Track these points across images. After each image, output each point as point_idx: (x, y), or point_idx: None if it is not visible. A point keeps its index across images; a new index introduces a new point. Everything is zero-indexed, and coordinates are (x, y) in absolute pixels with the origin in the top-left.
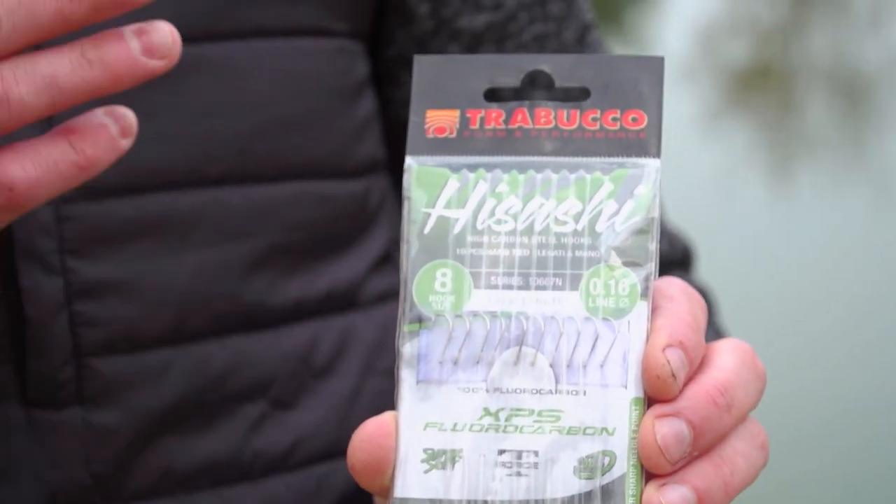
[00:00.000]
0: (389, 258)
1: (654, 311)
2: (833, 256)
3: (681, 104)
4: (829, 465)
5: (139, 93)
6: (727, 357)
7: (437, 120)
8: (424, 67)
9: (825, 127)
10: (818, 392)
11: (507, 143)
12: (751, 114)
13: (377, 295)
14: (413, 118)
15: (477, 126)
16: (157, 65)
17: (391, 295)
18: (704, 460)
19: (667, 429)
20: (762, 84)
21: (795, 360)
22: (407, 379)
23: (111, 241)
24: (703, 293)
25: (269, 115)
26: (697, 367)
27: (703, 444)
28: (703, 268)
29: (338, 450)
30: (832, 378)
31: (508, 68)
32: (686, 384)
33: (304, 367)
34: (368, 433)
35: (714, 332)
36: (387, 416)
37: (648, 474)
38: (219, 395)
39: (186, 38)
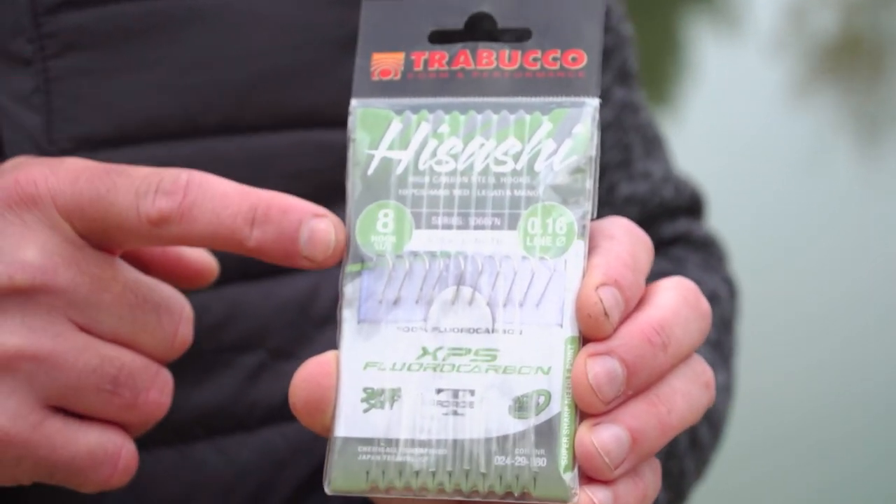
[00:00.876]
0: None
1: (592, 249)
2: None
3: (771, 75)
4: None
5: (133, 45)
6: (667, 295)
7: (383, 62)
8: (371, 11)
9: None
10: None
11: (449, 85)
12: (840, 85)
13: None
14: (359, 61)
15: (421, 68)
16: (307, 264)
17: None
18: (640, 399)
19: (599, 367)
20: (851, 55)
21: (877, 328)
22: (348, 319)
23: None
24: (711, 243)
25: (267, 66)
26: (636, 306)
27: (637, 384)
28: (791, 239)
29: None
30: None
31: (452, 10)
32: (621, 323)
33: (302, 316)
34: (309, 372)
35: (721, 278)
36: (328, 355)
37: (583, 413)
38: (215, 346)
39: None
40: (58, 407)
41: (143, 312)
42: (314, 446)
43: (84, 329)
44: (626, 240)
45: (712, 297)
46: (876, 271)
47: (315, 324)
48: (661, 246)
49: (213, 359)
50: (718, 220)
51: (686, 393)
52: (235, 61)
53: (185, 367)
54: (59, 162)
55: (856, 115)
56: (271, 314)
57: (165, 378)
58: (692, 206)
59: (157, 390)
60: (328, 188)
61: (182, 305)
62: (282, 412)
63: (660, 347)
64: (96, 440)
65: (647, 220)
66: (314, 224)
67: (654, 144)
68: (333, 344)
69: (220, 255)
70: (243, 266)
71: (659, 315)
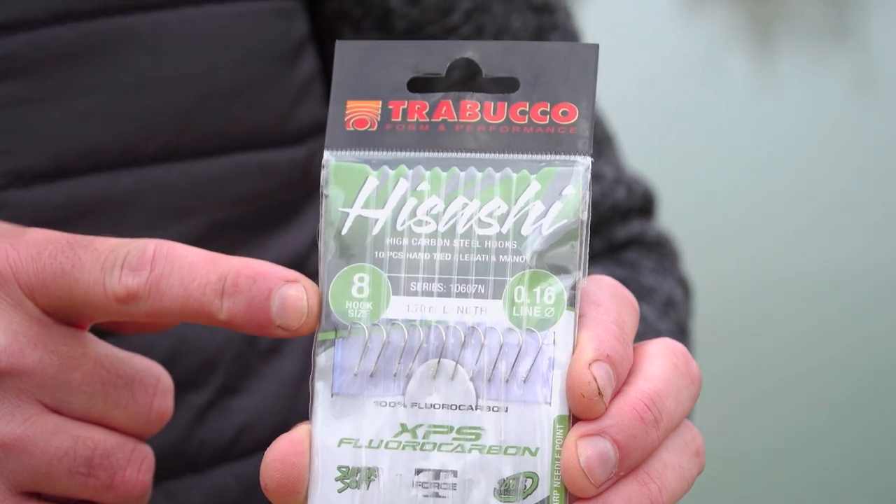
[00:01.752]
0: None
1: (580, 319)
2: (815, 135)
3: None
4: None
5: (67, 71)
6: (657, 364)
7: (358, 111)
8: (346, 54)
9: (807, 5)
10: (797, 267)
11: (430, 138)
12: None
13: None
14: (332, 109)
15: (399, 118)
16: (282, 333)
17: None
18: (630, 479)
19: (591, 450)
20: None
21: (780, 241)
22: (321, 392)
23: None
24: (664, 243)
25: (207, 87)
26: (625, 377)
27: (629, 464)
28: (689, 151)
29: None
30: (813, 258)
31: (433, 55)
32: (612, 398)
33: (248, 347)
34: (281, 452)
35: (676, 280)
36: (300, 431)
37: (571, 496)
38: None
39: (114, 10)
40: (32, 492)
41: (116, 388)
42: None
43: (54, 410)
44: (613, 306)
45: (668, 303)
46: (770, 166)
47: (261, 355)
48: (615, 250)
49: None
50: (618, 126)
51: (676, 466)
52: (175, 83)
53: None
54: (20, 234)
55: (749, 22)
56: (218, 348)
57: (143, 454)
58: (644, 205)
59: (134, 468)
60: (273, 211)
61: (157, 377)
62: (231, 451)
63: (652, 424)
64: None
65: (599, 223)
66: (285, 291)
67: (604, 144)
68: (280, 376)
69: None
70: None
71: (650, 388)
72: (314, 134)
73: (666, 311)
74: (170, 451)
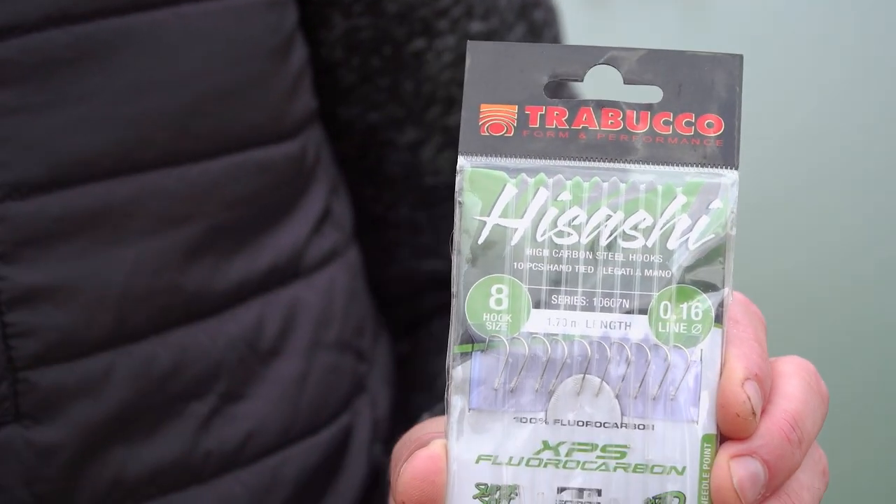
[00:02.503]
0: (329, 215)
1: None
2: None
3: None
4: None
5: (63, 76)
6: (794, 384)
7: (493, 116)
8: (478, 56)
9: None
10: None
11: (570, 146)
12: None
13: (319, 258)
14: (465, 113)
15: (537, 125)
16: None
17: (332, 256)
18: (774, 500)
19: (743, 471)
20: None
21: None
22: (458, 406)
23: (42, 242)
24: None
25: (205, 87)
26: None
27: (776, 485)
28: None
29: (290, 437)
30: None
31: (572, 60)
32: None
33: (250, 351)
34: (420, 470)
35: None
36: (437, 447)
37: None
38: (165, 396)
39: (110, 10)
40: None
41: None
42: (273, 488)
43: None
44: (749, 323)
45: None
46: None
47: (262, 359)
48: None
49: (162, 410)
50: None
51: (810, 486)
52: (173, 86)
53: (132, 424)
54: None
55: None
56: (221, 354)
57: None
58: None
59: None
60: (268, 210)
61: None
62: (237, 458)
63: (796, 444)
64: None
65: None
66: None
67: None
68: (283, 379)
69: (162, 298)
70: (187, 307)
71: (793, 408)
72: (307, 125)
73: None
74: (175, 463)
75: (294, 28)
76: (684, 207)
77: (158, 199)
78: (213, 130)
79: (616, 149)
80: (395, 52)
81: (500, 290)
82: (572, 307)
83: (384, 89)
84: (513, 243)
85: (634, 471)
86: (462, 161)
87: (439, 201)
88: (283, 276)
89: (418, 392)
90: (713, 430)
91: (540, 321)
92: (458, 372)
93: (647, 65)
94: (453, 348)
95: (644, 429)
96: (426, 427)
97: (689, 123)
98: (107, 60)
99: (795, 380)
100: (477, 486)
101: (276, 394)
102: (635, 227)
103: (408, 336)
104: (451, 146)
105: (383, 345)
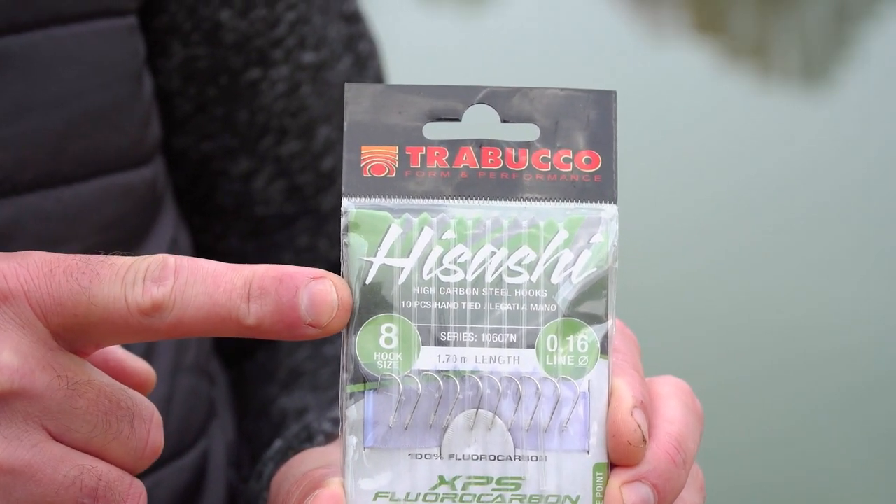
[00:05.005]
0: (176, 242)
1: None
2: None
3: None
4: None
5: None
6: (674, 405)
7: (374, 157)
8: (356, 96)
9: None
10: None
11: (452, 185)
12: None
13: None
14: (347, 154)
15: (418, 165)
16: (313, 332)
17: None
18: None
19: (634, 496)
20: None
21: None
22: (353, 445)
23: None
24: None
25: (79, 110)
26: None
27: None
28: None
29: (161, 460)
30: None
31: (449, 100)
32: None
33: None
34: None
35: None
36: (335, 486)
37: None
38: None
39: None
40: None
41: (117, 420)
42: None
43: (57, 438)
44: (628, 350)
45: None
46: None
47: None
48: None
49: None
50: None
51: (692, 502)
52: (49, 107)
53: None
54: (24, 256)
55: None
56: None
57: (139, 489)
58: None
59: (132, 502)
60: (130, 234)
61: (152, 411)
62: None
63: (681, 465)
64: None
65: None
66: (312, 286)
67: None
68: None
69: None
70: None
71: (675, 431)
72: (157, 153)
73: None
74: None
75: (144, 56)
76: (566, 242)
77: (37, 221)
78: (85, 153)
79: (497, 187)
80: (231, 81)
81: (389, 329)
82: (461, 343)
83: (219, 119)
84: (400, 282)
85: (530, 502)
86: (346, 203)
87: (269, 232)
88: None
89: (251, 419)
90: (604, 459)
91: (430, 358)
92: (351, 411)
93: (522, 102)
94: (346, 387)
95: (537, 460)
96: (306, 462)
97: (566, 160)
98: None
99: (674, 401)
100: None
101: None
102: (519, 263)
103: (232, 366)
104: (282, 176)
105: (220, 371)
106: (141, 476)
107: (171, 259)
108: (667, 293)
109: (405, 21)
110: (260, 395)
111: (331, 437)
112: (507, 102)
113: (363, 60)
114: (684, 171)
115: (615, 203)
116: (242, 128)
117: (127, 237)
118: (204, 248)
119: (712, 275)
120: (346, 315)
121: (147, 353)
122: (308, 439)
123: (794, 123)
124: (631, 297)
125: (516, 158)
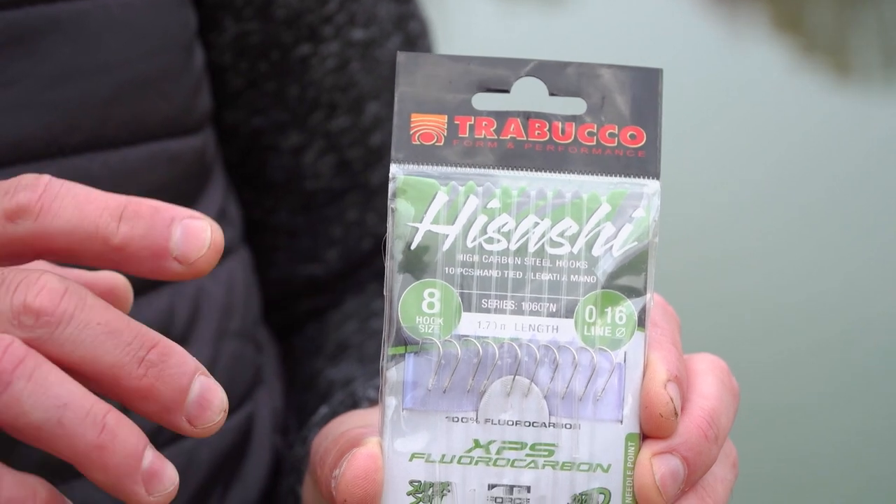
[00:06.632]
0: (224, 212)
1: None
2: None
3: None
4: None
5: None
6: (709, 381)
7: (423, 125)
8: (408, 65)
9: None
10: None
11: (498, 155)
12: None
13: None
14: (397, 122)
15: (466, 135)
16: (177, 268)
17: (230, 251)
18: (691, 495)
19: (664, 468)
20: None
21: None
22: (392, 406)
23: None
24: None
25: (127, 76)
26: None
27: (694, 480)
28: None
29: None
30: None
31: (499, 72)
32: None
33: (164, 336)
34: (361, 468)
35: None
36: (374, 445)
37: None
38: None
39: None
40: None
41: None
42: (189, 470)
43: None
44: (668, 325)
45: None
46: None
47: None
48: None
49: None
50: None
51: (724, 479)
52: (97, 73)
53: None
54: None
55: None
56: None
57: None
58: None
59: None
60: (179, 202)
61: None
62: (154, 440)
63: (713, 441)
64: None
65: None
66: (188, 221)
67: None
68: None
69: None
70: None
71: (709, 406)
72: (207, 124)
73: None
74: None
75: (196, 28)
76: (608, 216)
77: (84, 184)
78: (132, 119)
79: (543, 158)
80: (282, 56)
81: (432, 294)
82: (502, 311)
83: (270, 94)
84: (444, 249)
85: (562, 468)
86: (394, 169)
87: (318, 206)
88: None
89: (299, 391)
90: (636, 430)
91: (471, 324)
92: (391, 373)
93: (570, 77)
94: (387, 350)
95: (571, 428)
96: (346, 423)
97: (612, 135)
98: (33, 47)
99: (710, 378)
100: (411, 482)
101: None
102: (562, 234)
103: (282, 340)
104: (331, 151)
105: (269, 341)
106: (180, 438)
107: (49, 176)
108: (728, 282)
109: (481, 19)
110: (308, 367)
111: (374, 404)
112: (555, 76)
113: (413, 39)
114: (762, 170)
115: (658, 179)
116: (293, 103)
117: (174, 203)
118: (254, 222)
119: (788, 275)
120: (215, 258)
121: (192, 318)
122: (353, 406)
123: (872, 121)
124: (681, 275)
125: (563, 131)
